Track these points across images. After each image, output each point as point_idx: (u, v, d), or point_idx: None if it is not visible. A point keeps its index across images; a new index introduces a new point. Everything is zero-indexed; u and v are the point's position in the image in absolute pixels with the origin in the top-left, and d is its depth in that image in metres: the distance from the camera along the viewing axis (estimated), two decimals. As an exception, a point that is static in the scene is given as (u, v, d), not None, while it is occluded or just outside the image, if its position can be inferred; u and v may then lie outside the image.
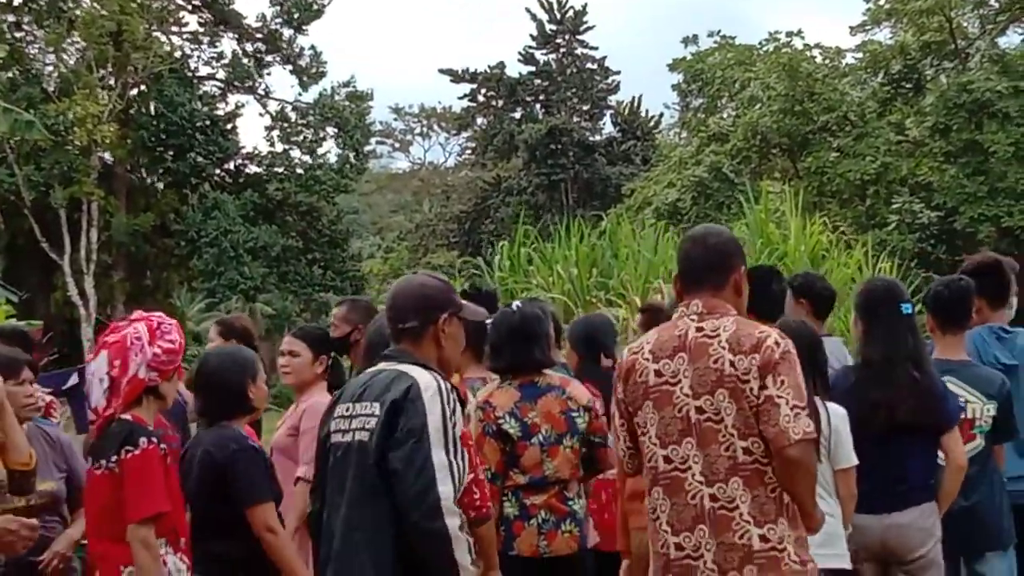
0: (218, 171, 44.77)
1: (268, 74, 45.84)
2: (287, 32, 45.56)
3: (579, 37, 62.76)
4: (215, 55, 45.47)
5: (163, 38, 43.39)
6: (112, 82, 40.09)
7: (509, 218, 49.99)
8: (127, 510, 5.25)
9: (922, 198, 35.51)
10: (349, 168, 45.57)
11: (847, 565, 6.29)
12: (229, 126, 44.32)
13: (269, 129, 45.52)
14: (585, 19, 62.24)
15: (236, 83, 45.10)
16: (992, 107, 35.48)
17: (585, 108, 63.59)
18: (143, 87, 42.24)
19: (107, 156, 41.27)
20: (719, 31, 45.93)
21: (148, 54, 39.95)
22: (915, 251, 33.85)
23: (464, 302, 5.29)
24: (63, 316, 40.04)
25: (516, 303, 7.49)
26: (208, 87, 45.39)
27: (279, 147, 45.52)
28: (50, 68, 41.58)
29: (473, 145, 68.22)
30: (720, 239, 5.30)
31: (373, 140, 56.26)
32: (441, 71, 62.66)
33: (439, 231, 60.71)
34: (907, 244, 33.68)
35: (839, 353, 7.99)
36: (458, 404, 4.89)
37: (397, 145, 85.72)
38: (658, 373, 5.07)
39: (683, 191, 39.00)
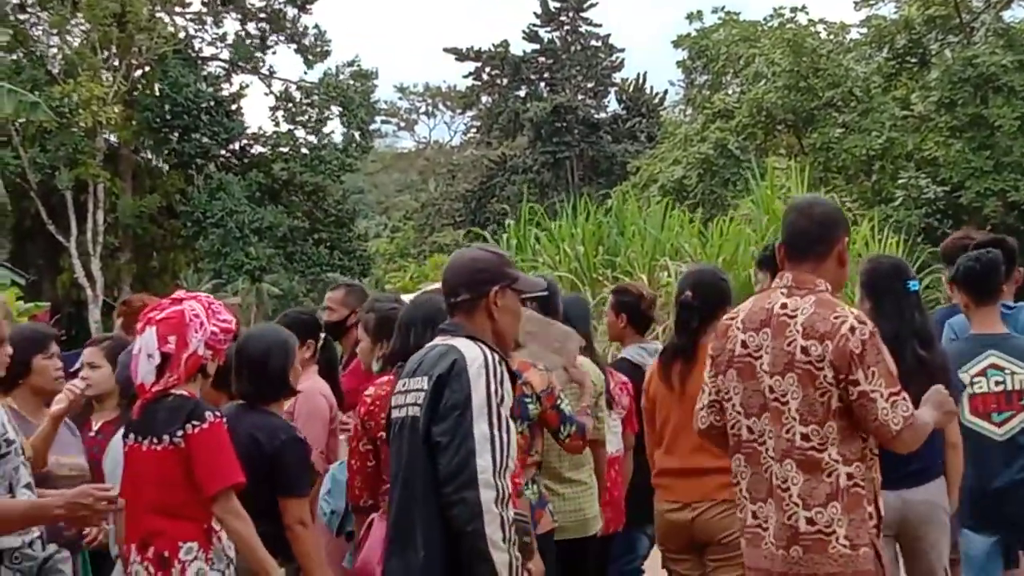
0: (223, 152, 44.81)
1: (272, 54, 46.11)
2: (291, 11, 45.62)
3: (583, 14, 62.76)
4: (219, 35, 45.58)
5: (167, 19, 43.44)
6: (116, 63, 40.13)
7: (515, 196, 49.99)
8: (204, 485, 5.25)
9: (928, 173, 35.44)
10: (354, 147, 45.61)
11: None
12: (234, 106, 44.36)
13: (274, 109, 45.59)
14: (589, -4, 62.29)
15: (240, 63, 45.12)
16: (997, 81, 35.39)
17: (590, 86, 63.57)
18: (147, 68, 42.28)
19: (112, 138, 41.34)
20: (723, 7, 45.71)
21: (152, 35, 40.01)
22: (921, 226, 33.79)
23: (522, 274, 5.26)
24: (70, 298, 40.15)
25: None
26: (212, 67, 45.46)
27: (284, 127, 45.60)
28: (54, 50, 41.61)
29: (478, 124, 68.22)
30: (825, 209, 5.35)
31: (378, 119, 56.38)
32: (446, 50, 62.75)
33: (445, 210, 60.70)
34: (913, 219, 33.62)
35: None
36: (507, 378, 4.87)
37: (402, 124, 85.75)
38: (744, 344, 5.15)
39: (689, 168, 38.94)
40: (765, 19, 42.90)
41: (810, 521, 4.93)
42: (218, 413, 5.40)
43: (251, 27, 45.55)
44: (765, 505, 5.08)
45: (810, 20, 41.14)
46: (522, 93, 62.95)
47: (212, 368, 5.64)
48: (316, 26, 45.85)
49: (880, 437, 4.92)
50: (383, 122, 71.06)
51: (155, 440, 5.33)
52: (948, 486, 6.51)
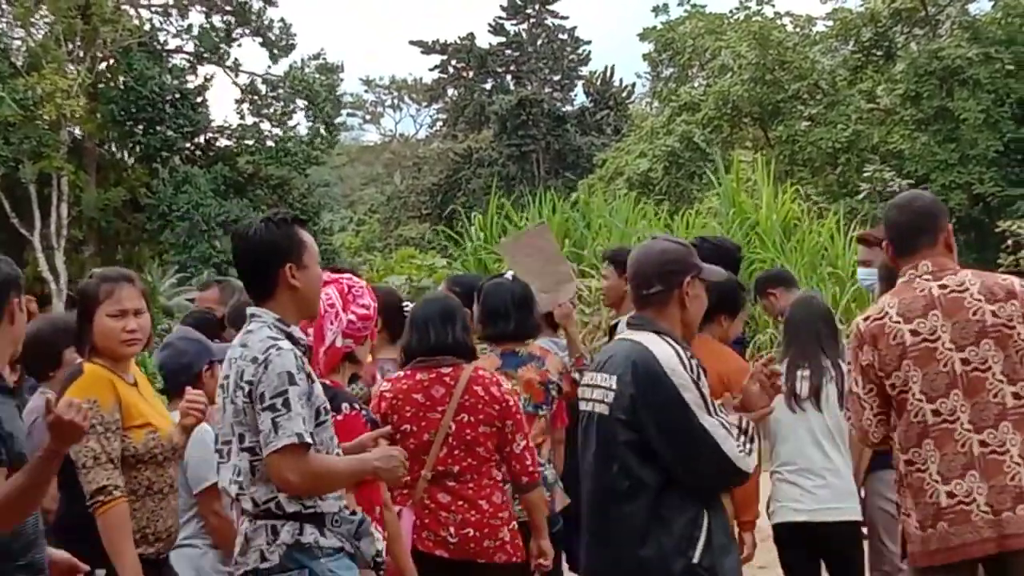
0: (188, 145, 44.61)
1: (238, 46, 45.71)
2: (256, 4, 45.42)
3: (549, 7, 62.68)
4: (184, 28, 45.30)
5: (132, 11, 43.24)
6: (81, 56, 39.92)
7: (481, 189, 49.97)
8: None
9: (893, 166, 35.51)
10: (320, 141, 45.52)
11: (859, 518, 6.92)
12: (199, 99, 44.16)
13: (239, 102, 45.42)
14: (555, -11, 62.23)
15: (206, 56, 44.92)
16: (963, 74, 35.54)
17: (556, 79, 63.57)
18: (112, 61, 42.07)
19: (76, 131, 41.14)
20: (689, 0, 45.85)
21: (117, 27, 39.81)
22: (886, 219, 33.90)
23: (704, 264, 5.31)
24: (34, 292, 39.78)
25: (508, 273, 7.64)
26: (177, 60, 45.22)
27: (249, 120, 45.43)
28: (18, 43, 41.36)
29: (444, 117, 68.13)
30: (925, 202, 5.66)
31: (344, 112, 56.14)
32: (411, 43, 62.57)
33: (411, 203, 60.59)
34: (878, 212, 33.63)
35: None
36: (701, 369, 4.98)
37: (368, 117, 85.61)
38: (914, 332, 5.33)
39: (654, 161, 38.96)
40: (731, 12, 43.02)
41: None
42: (356, 405, 5.52)
43: (216, 19, 45.35)
44: (963, 481, 5.23)
45: (776, 13, 41.37)
46: (488, 86, 62.91)
47: (362, 353, 5.82)
48: (282, 19, 45.63)
49: None
50: (349, 115, 70.88)
51: None
52: None
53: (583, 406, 5.20)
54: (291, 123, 45.67)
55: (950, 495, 5.24)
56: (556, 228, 23.63)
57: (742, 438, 4.95)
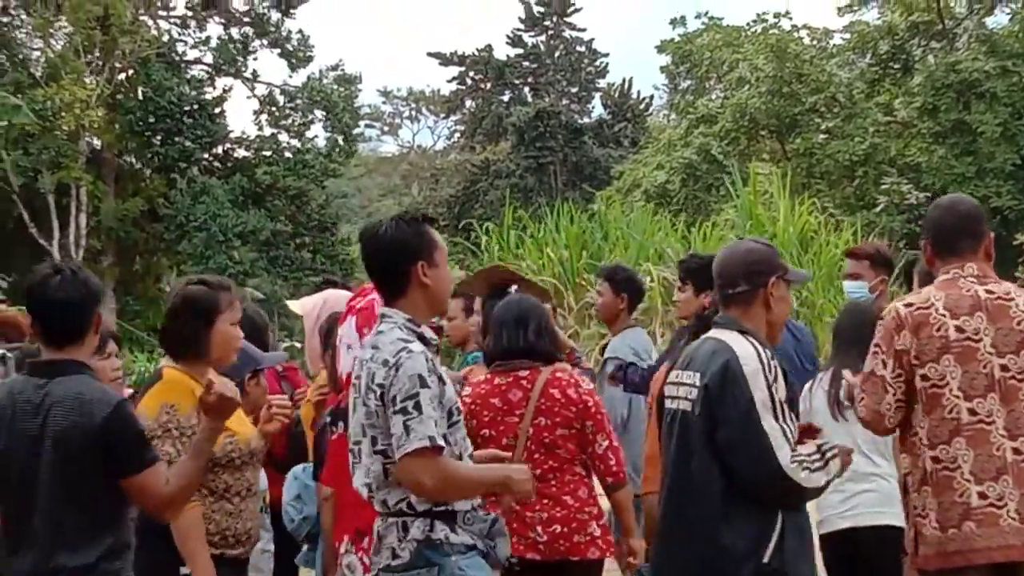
0: (206, 155, 44.68)
1: (255, 58, 45.74)
2: (275, 15, 45.49)
3: (567, 19, 62.74)
4: (202, 39, 45.39)
5: (150, 22, 43.33)
6: (100, 67, 40.01)
7: (498, 201, 49.93)
8: None
9: (910, 179, 35.51)
10: (338, 152, 45.53)
11: (902, 523, 6.65)
12: (217, 110, 44.22)
13: (257, 113, 45.47)
14: (573, 1, 62.19)
15: (224, 67, 45.00)
16: (980, 87, 35.52)
17: (574, 91, 63.62)
18: (131, 72, 42.16)
19: (95, 141, 41.21)
20: (707, 12, 45.84)
21: (135, 38, 39.89)
22: (904, 232, 33.85)
23: (790, 266, 5.40)
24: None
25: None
26: (196, 71, 45.31)
27: (267, 131, 45.47)
28: (37, 53, 41.49)
29: (462, 128, 68.15)
30: (969, 206, 5.79)
31: (362, 123, 56.15)
32: (429, 54, 62.67)
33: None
34: (895, 225, 33.68)
35: (644, 343, 8.79)
36: (779, 371, 5.02)
37: (386, 128, 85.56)
38: (959, 329, 5.37)
39: (672, 173, 38.96)
40: (748, 24, 42.95)
41: None
42: None
43: (234, 31, 45.42)
44: (996, 484, 5.26)
45: (793, 26, 41.24)
46: (506, 98, 62.93)
47: None
48: (300, 31, 45.71)
49: None
50: (367, 126, 70.85)
51: None
52: None
53: (669, 404, 5.27)
54: (309, 134, 45.70)
55: (982, 496, 5.27)
56: (573, 240, 23.69)
57: (814, 456, 4.98)
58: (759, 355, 4.97)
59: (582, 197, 44.34)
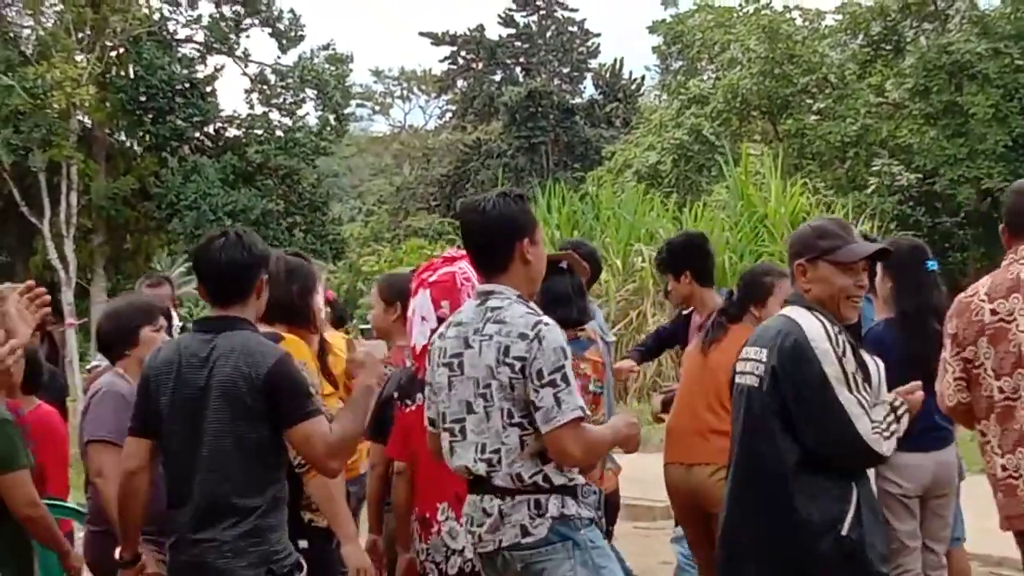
0: (197, 134, 44.60)
1: (247, 36, 45.68)
2: (266, -6, 45.44)
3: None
4: (193, 17, 45.26)
5: (141, 0, 43.21)
6: (90, 45, 39.92)
7: (489, 181, 50.02)
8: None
9: (902, 160, 35.55)
10: (329, 131, 45.46)
11: None
12: (208, 89, 44.13)
13: (248, 92, 45.41)
14: (564, -19, 62.26)
15: (215, 45, 44.92)
16: (972, 68, 35.52)
17: (565, 71, 63.67)
18: (122, 50, 42.05)
19: (86, 119, 41.15)
20: (699, -8, 45.81)
21: (126, 16, 39.81)
22: (895, 214, 33.93)
23: (856, 245, 5.30)
24: (43, 280, 39.92)
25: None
26: (187, 50, 45.19)
27: (259, 110, 45.42)
28: (28, 31, 41.41)
29: (453, 108, 68.23)
30: None
31: (353, 103, 56.05)
32: (421, 34, 62.80)
33: (419, 194, 60.68)
34: (887, 207, 33.73)
35: (601, 319, 8.82)
36: (847, 344, 5.02)
37: (377, 108, 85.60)
38: (993, 312, 5.61)
39: (663, 154, 38.98)
40: (740, 5, 42.90)
41: None
42: None
43: (226, 9, 45.30)
44: (1014, 456, 5.53)
45: (785, 6, 41.30)
46: (497, 77, 63.01)
47: None
48: (291, 9, 45.78)
49: None
50: (358, 106, 70.80)
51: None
52: None
53: (738, 379, 5.29)
54: (300, 113, 45.63)
55: (1003, 468, 5.55)
56: (565, 220, 23.69)
57: (889, 419, 4.98)
58: (825, 329, 4.98)
59: (573, 177, 44.41)
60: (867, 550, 4.91)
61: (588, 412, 4.84)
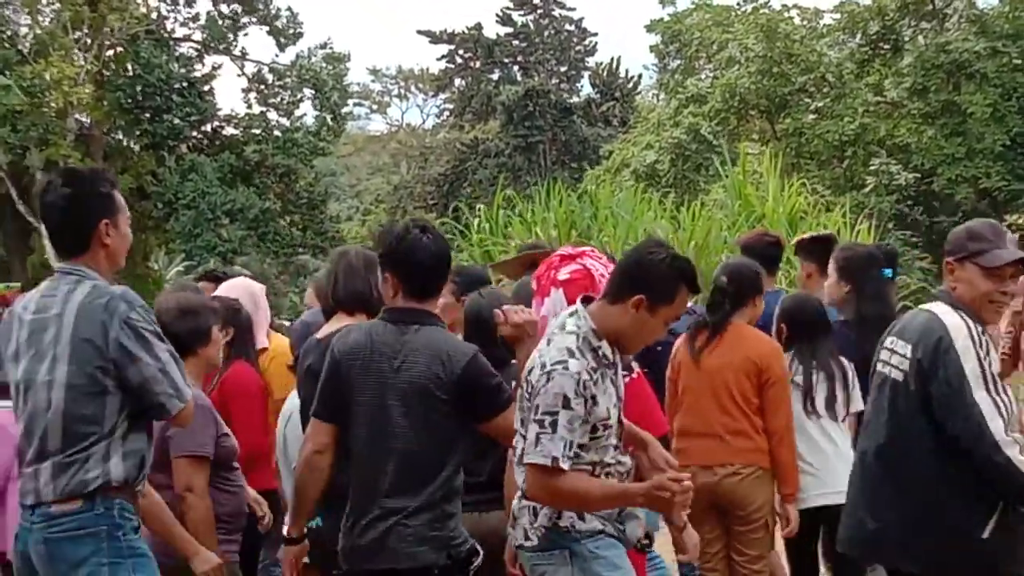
0: (195, 133, 44.60)
1: (245, 35, 45.62)
2: (263, -8, 45.41)
3: (556, -2, 62.76)
4: (191, 16, 45.25)
5: (139, -1, 43.23)
6: (88, 44, 39.88)
7: (487, 180, 50.02)
8: (652, 427, 5.45)
9: (900, 159, 35.53)
10: (326, 130, 45.44)
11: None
12: (206, 88, 44.12)
13: (246, 91, 45.42)
14: (562, -20, 62.23)
15: (213, 44, 44.90)
16: (970, 68, 35.51)
17: (563, 70, 63.59)
18: (119, 49, 42.03)
19: (83, 118, 41.10)
20: (697, -9, 45.76)
21: (124, 15, 39.77)
22: (893, 213, 33.89)
23: (998, 250, 5.31)
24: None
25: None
26: (184, 48, 45.17)
27: (256, 109, 45.44)
28: (25, 30, 41.34)
29: (451, 107, 68.18)
30: None
31: (350, 102, 56.02)
32: (419, 32, 62.80)
33: (417, 193, 60.60)
34: (885, 206, 33.70)
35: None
36: (990, 345, 5.08)
37: (375, 107, 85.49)
38: None
39: (661, 153, 38.92)
40: (738, 4, 42.97)
41: None
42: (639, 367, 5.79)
43: (223, 8, 45.30)
44: None
45: (783, 6, 41.23)
46: (495, 76, 62.93)
47: None
48: (289, 8, 45.79)
49: None
50: (355, 104, 70.70)
51: None
52: None
53: (880, 368, 5.33)
54: (298, 112, 45.66)
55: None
56: (562, 219, 23.65)
57: (1010, 419, 5.01)
58: (967, 326, 5.04)
59: (571, 176, 44.32)
60: (1007, 555, 4.96)
61: (577, 455, 4.76)
